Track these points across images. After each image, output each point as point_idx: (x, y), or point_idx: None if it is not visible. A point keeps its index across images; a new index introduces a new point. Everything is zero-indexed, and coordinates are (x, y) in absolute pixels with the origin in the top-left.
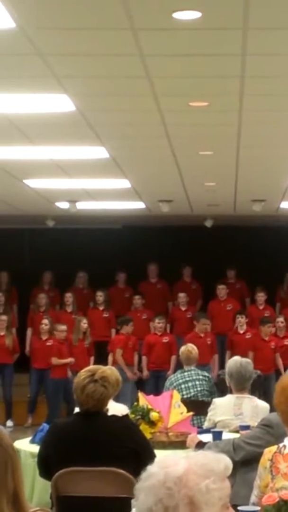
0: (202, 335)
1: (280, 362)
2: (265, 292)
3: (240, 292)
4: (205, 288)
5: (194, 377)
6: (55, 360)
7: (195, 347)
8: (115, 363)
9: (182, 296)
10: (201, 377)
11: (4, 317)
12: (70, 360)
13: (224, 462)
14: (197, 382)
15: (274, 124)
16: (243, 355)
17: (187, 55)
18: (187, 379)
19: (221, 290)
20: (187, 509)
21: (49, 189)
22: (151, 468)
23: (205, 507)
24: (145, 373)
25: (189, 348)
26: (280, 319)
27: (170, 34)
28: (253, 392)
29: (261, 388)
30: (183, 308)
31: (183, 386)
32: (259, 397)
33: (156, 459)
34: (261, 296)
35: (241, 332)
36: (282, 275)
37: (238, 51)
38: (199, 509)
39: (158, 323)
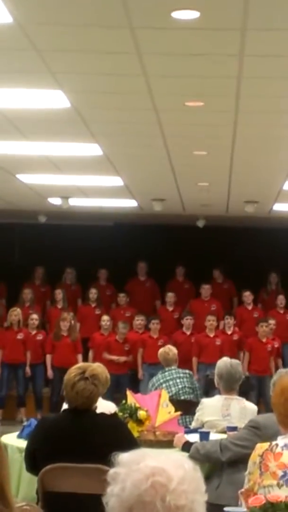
0: (211, 335)
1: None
2: (251, 292)
3: (228, 292)
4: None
5: (175, 375)
6: (106, 355)
7: (172, 348)
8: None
9: (170, 296)
10: (181, 374)
11: None
12: (123, 358)
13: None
14: (178, 380)
15: (270, 126)
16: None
17: (185, 55)
18: (168, 378)
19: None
20: None
21: (42, 185)
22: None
23: None
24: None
25: (167, 350)
26: (272, 321)
27: (168, 33)
28: (244, 394)
29: (255, 390)
30: (170, 309)
31: (164, 385)
32: (251, 399)
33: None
34: (248, 296)
35: (229, 333)
36: (269, 277)
37: (235, 52)
38: None
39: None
